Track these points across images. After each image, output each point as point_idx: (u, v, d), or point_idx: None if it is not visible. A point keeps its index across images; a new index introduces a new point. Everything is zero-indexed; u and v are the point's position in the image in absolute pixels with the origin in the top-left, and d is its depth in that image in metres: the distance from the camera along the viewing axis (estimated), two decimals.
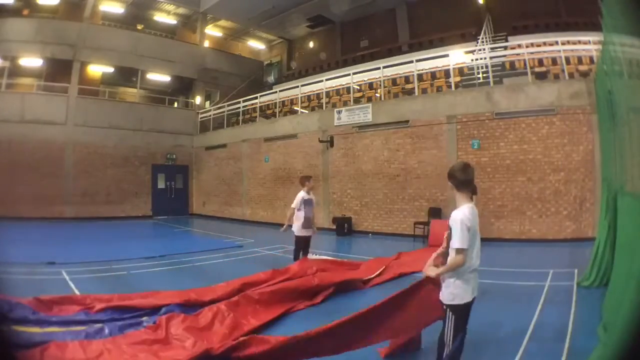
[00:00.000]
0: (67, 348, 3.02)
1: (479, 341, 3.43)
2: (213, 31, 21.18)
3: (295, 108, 14.62)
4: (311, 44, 20.80)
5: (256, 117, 15.61)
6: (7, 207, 12.35)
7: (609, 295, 3.73)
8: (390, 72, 12.35)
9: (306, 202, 5.97)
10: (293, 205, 5.97)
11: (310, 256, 6.35)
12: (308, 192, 6.09)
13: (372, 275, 5.67)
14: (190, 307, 4.15)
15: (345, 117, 11.82)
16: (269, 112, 15.70)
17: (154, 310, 4.05)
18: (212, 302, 4.20)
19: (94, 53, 15.79)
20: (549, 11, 13.12)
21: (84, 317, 3.84)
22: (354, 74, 12.73)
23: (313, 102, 14.28)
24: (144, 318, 3.86)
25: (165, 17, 19.54)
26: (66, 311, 3.94)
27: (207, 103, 19.75)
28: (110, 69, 17.11)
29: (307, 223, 5.96)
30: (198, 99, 19.08)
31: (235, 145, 15.62)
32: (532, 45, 11.09)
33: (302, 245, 6.08)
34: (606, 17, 3.49)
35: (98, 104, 16.04)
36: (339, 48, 19.06)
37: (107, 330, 3.50)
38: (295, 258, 6.01)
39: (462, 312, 2.52)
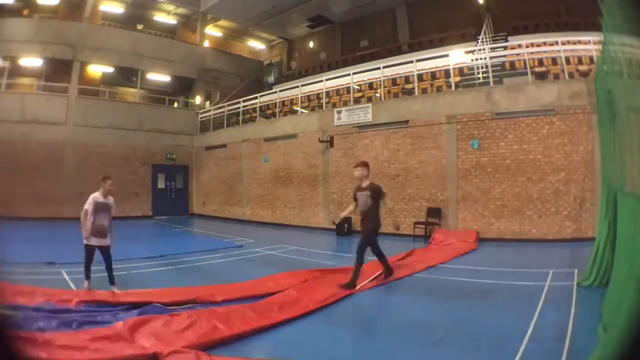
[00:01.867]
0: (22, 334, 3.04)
1: (479, 341, 3.43)
2: (213, 31, 21.19)
3: (295, 108, 14.62)
4: (311, 44, 20.80)
5: (256, 117, 15.61)
6: (7, 207, 12.35)
7: (609, 295, 3.72)
8: (390, 72, 12.35)
9: (99, 207, 5.24)
10: (86, 207, 5.23)
11: None
12: (105, 196, 5.36)
13: (365, 282, 5.57)
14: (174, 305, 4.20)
15: (345, 117, 11.82)
16: (269, 112, 15.70)
17: (133, 307, 4.13)
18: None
19: (94, 53, 15.79)
20: (549, 11, 13.12)
21: (51, 308, 3.88)
22: (354, 74, 12.73)
23: (313, 102, 14.28)
24: (119, 315, 3.91)
25: (165, 17, 19.54)
26: (31, 301, 3.98)
27: (207, 103, 19.74)
28: (110, 69, 17.09)
29: (97, 231, 5.19)
30: (198, 99, 19.08)
31: (235, 145, 15.62)
32: (532, 45, 11.10)
33: (90, 256, 5.19)
34: (606, 17, 3.49)
35: (98, 104, 16.03)
36: (339, 48, 19.07)
37: (74, 325, 3.53)
38: (86, 273, 5.14)
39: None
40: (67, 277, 5.68)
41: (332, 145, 12.03)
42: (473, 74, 10.63)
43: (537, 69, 10.03)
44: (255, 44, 23.17)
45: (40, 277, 5.57)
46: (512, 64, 10.60)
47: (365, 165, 5.64)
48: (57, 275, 5.80)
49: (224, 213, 16.03)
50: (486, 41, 11.97)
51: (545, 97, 8.84)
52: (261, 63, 22.38)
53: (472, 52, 11.46)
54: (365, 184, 5.57)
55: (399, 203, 10.56)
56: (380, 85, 12.39)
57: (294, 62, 21.22)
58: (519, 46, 10.77)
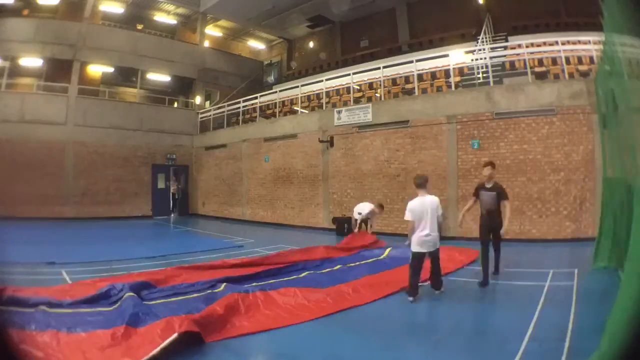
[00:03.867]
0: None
1: (479, 341, 3.44)
2: (213, 31, 21.20)
3: (295, 108, 14.62)
4: (311, 44, 20.81)
5: (256, 117, 15.61)
6: (7, 207, 12.35)
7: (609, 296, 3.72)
8: (390, 72, 12.35)
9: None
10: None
11: None
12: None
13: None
14: None
15: (345, 117, 11.82)
16: (269, 112, 15.70)
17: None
18: None
19: (94, 53, 15.79)
20: (549, 11, 13.13)
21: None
22: (354, 74, 12.73)
23: (313, 102, 14.28)
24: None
25: (165, 17, 19.56)
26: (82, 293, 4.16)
27: (207, 103, 19.75)
28: (110, 69, 17.11)
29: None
30: (198, 99, 19.08)
31: (235, 145, 15.62)
32: (532, 45, 11.10)
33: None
34: (606, 17, 3.49)
35: (98, 104, 16.03)
36: (339, 48, 19.08)
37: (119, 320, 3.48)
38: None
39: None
40: (67, 277, 5.67)
41: (332, 145, 12.04)
42: (473, 74, 10.63)
43: (537, 69, 10.03)
44: (255, 44, 23.17)
45: (40, 277, 5.57)
46: (512, 64, 10.60)
47: (493, 165, 5.74)
48: (57, 275, 5.80)
49: (223, 213, 16.03)
50: (486, 41, 11.97)
51: (545, 97, 8.83)
52: (261, 63, 22.38)
53: (472, 52, 11.46)
54: (490, 184, 5.66)
55: (399, 203, 10.54)
56: (380, 85, 12.38)
57: (294, 62, 21.22)
58: (519, 46, 10.76)
